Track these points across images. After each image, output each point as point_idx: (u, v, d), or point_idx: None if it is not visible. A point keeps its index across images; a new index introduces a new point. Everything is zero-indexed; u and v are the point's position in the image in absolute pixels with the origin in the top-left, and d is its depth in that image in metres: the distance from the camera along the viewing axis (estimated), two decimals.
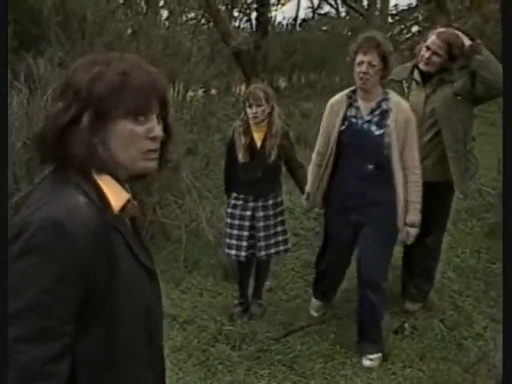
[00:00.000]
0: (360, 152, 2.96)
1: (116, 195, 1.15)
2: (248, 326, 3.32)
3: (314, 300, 3.54)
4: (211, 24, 11.42)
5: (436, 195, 3.26)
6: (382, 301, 3.05)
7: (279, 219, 3.49)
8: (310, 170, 3.27)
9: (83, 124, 1.11)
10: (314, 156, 3.25)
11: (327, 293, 3.50)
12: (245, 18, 17.48)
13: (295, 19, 17.97)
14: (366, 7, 15.61)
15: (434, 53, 3.23)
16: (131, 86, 1.13)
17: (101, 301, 1.09)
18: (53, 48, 3.77)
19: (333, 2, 17.85)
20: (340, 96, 3.09)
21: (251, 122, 3.36)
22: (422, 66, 3.30)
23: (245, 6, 17.05)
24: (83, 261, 1.05)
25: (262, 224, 3.41)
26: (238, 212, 3.44)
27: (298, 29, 17.63)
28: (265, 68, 11.71)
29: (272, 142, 3.33)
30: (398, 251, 3.54)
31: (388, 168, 2.91)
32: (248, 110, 3.34)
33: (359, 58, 2.87)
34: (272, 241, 3.43)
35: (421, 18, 15.46)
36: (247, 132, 3.38)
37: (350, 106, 3.02)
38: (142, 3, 8.41)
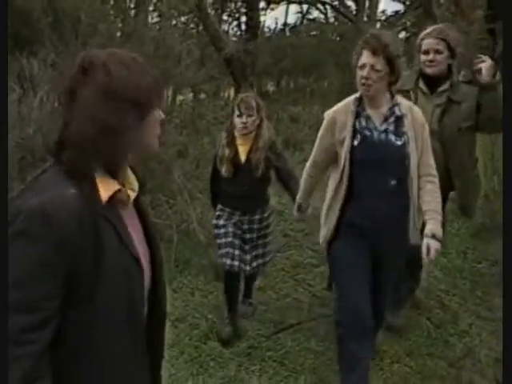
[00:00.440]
0: (381, 167, 2.57)
1: (106, 186, 1.24)
2: (239, 324, 3.37)
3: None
4: (200, 28, 11.50)
5: None
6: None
7: (262, 233, 3.36)
8: (303, 180, 2.95)
9: (130, 122, 1.22)
10: (307, 166, 2.90)
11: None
12: (234, 23, 17.60)
13: (284, 24, 18.12)
14: (354, 13, 15.77)
15: (435, 52, 3.06)
16: (156, 80, 1.28)
17: (86, 284, 1.18)
18: (46, 49, 3.81)
19: (321, 8, 17.98)
20: (343, 105, 2.69)
21: (237, 134, 3.21)
22: (427, 70, 3.10)
23: (234, 11, 17.16)
24: (66, 246, 1.14)
25: (246, 236, 3.31)
26: (221, 222, 3.32)
27: (287, 34, 17.76)
28: (254, 72, 11.80)
29: (258, 156, 3.17)
30: None
31: (407, 181, 2.60)
32: (237, 119, 3.17)
33: (361, 59, 2.51)
34: (253, 254, 3.32)
35: (408, 23, 15.64)
36: (231, 144, 3.23)
37: (357, 116, 2.62)
38: (132, 5, 8.46)
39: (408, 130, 2.58)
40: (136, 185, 1.35)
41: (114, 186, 1.26)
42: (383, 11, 16.93)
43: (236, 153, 3.22)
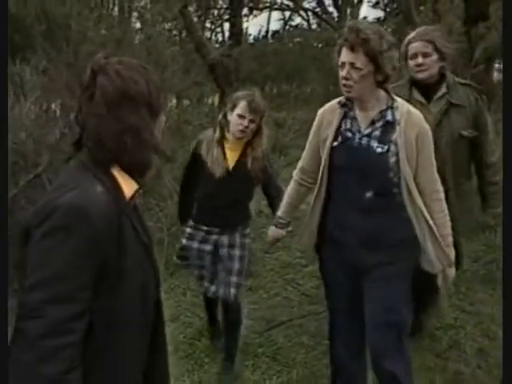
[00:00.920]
0: (357, 175, 2.30)
1: (128, 185, 1.34)
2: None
3: None
4: (183, 35, 11.59)
5: None
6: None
7: (242, 253, 2.90)
8: (289, 188, 2.62)
9: (146, 122, 1.33)
10: (295, 171, 2.62)
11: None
12: (217, 30, 17.75)
13: (267, 31, 18.31)
14: (336, 19, 16.00)
15: (423, 55, 2.85)
16: (160, 86, 1.39)
17: (111, 272, 1.27)
18: (38, 56, 3.88)
19: (304, 15, 18.22)
20: (333, 103, 2.44)
21: (230, 137, 2.77)
22: (418, 75, 2.87)
23: (217, 18, 17.31)
24: (100, 240, 1.23)
25: (225, 258, 2.86)
26: (195, 244, 2.87)
27: (269, 40, 17.94)
28: (238, 79, 11.92)
29: (256, 166, 2.78)
30: None
31: (394, 196, 2.29)
32: (236, 119, 2.70)
33: (341, 58, 2.22)
34: (233, 277, 2.86)
35: (389, 30, 15.91)
36: (220, 144, 2.79)
37: (344, 116, 2.37)
38: (116, 12, 8.52)
39: (398, 138, 2.24)
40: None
41: (134, 185, 1.37)
42: (365, 18, 17.13)
43: (224, 158, 2.78)
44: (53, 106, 4.41)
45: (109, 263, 1.26)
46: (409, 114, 2.29)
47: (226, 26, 16.55)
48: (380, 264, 2.30)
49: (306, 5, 17.52)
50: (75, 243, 1.21)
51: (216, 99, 12.06)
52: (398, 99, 2.33)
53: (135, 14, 7.23)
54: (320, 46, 16.88)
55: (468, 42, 6.54)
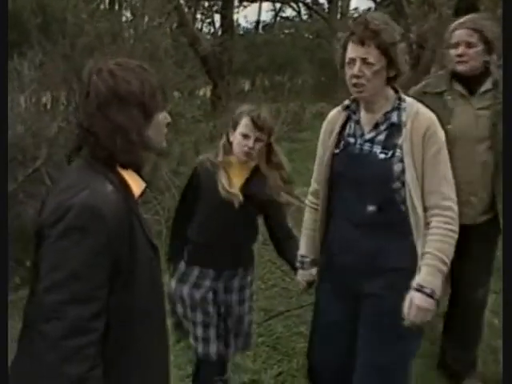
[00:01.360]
0: (357, 186, 2.03)
1: (136, 184, 1.38)
2: None
3: None
4: (174, 27, 11.56)
5: (478, 240, 2.62)
6: None
7: (246, 308, 2.46)
8: (305, 217, 2.30)
9: (136, 122, 1.34)
10: (308, 197, 2.30)
11: None
12: (207, 21, 17.69)
13: (257, 22, 18.28)
14: (327, 10, 16.01)
15: (467, 45, 2.54)
16: (159, 85, 1.41)
17: (124, 269, 1.31)
18: (34, 50, 3.89)
19: (295, 6, 18.20)
20: (337, 108, 2.19)
21: (234, 160, 2.33)
22: (457, 67, 2.57)
23: (207, 9, 17.25)
24: (113, 238, 1.27)
25: (223, 310, 2.41)
26: (186, 290, 2.37)
27: (260, 32, 17.93)
28: (230, 71, 11.93)
29: (263, 196, 2.29)
30: None
31: (399, 210, 1.99)
32: (240, 139, 2.28)
33: (348, 54, 1.97)
34: (232, 335, 2.44)
35: None
36: (224, 173, 2.32)
37: (348, 119, 2.13)
38: (106, 5, 8.49)
39: (404, 143, 1.97)
40: None
41: (142, 183, 1.41)
42: (355, 8, 17.16)
43: (229, 184, 2.31)
44: (50, 99, 4.42)
45: (122, 261, 1.29)
46: (417, 115, 2.01)
47: (217, 17, 16.50)
48: (379, 296, 1.99)
49: None
50: (91, 243, 1.23)
51: (208, 92, 12.08)
52: (408, 99, 2.08)
53: (128, 7, 7.21)
54: (311, 37, 16.92)
55: None
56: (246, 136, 2.28)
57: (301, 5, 17.86)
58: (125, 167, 1.36)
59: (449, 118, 2.52)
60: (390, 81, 2.02)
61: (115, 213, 1.27)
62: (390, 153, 1.98)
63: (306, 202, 2.30)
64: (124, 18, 7.41)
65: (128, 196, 1.34)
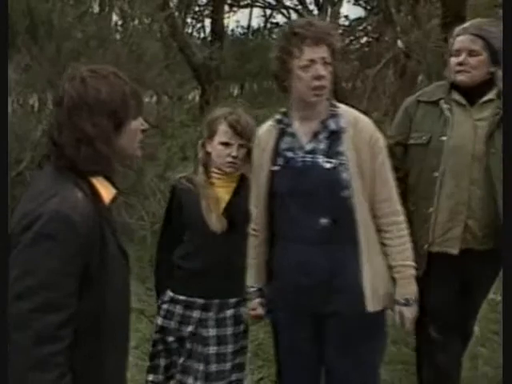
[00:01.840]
0: (305, 201, 1.93)
1: (106, 190, 1.39)
2: None
3: None
4: (165, 31, 11.59)
5: (478, 269, 2.39)
6: None
7: (239, 346, 2.26)
8: (248, 245, 2.11)
9: (105, 131, 1.33)
10: (251, 225, 2.12)
11: None
12: (198, 25, 17.72)
13: (248, 28, 18.36)
14: (317, 17, 16.09)
15: (470, 53, 2.27)
16: (134, 92, 1.39)
17: (94, 276, 1.31)
18: (21, 53, 3.90)
19: (285, 12, 18.30)
20: (267, 124, 2.07)
21: (217, 172, 2.13)
22: (457, 77, 2.31)
23: (198, 13, 17.29)
24: (83, 245, 1.27)
25: (212, 350, 2.14)
26: (173, 325, 2.17)
27: (250, 37, 17.99)
28: (219, 76, 11.96)
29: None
30: None
31: (353, 220, 1.93)
32: (220, 149, 2.07)
33: (305, 55, 1.86)
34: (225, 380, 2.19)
35: (370, 28, 16.06)
36: (209, 187, 2.13)
37: (282, 134, 2.00)
38: (96, 8, 8.46)
39: (347, 150, 1.91)
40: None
41: (112, 189, 1.41)
42: (346, 16, 17.29)
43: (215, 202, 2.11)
44: (35, 102, 4.41)
45: (92, 268, 1.29)
46: (357, 121, 1.97)
47: (207, 22, 16.56)
48: (341, 314, 1.95)
49: (287, 2, 17.62)
50: (60, 250, 1.23)
51: (197, 96, 12.10)
52: (340, 105, 2.03)
53: (117, 10, 7.21)
54: None
55: (446, 45, 6.68)
56: (226, 144, 2.08)
57: (291, 11, 17.97)
58: (94, 175, 1.37)
59: (444, 128, 2.30)
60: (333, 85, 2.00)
61: (85, 220, 1.27)
62: (334, 161, 1.92)
63: (249, 230, 2.12)
64: (113, 22, 7.44)
65: (98, 203, 1.34)
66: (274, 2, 17.56)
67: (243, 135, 2.08)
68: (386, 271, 2.00)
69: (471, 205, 2.30)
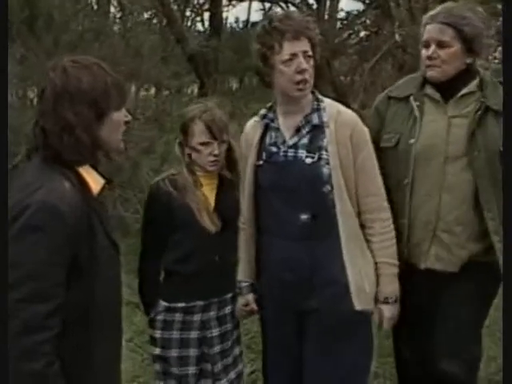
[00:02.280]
0: (287, 196, 1.94)
1: (94, 181, 1.40)
2: None
3: None
4: (163, 24, 11.57)
5: (469, 287, 2.10)
6: None
7: (235, 336, 2.33)
8: (239, 239, 2.16)
9: (87, 120, 1.34)
10: (240, 218, 2.15)
11: None
12: (197, 19, 17.64)
13: (247, 21, 18.26)
14: (315, 11, 16.02)
15: (438, 44, 2.01)
16: (117, 83, 1.40)
17: (83, 267, 1.33)
18: (16, 44, 3.90)
19: (284, 5, 18.21)
20: (253, 119, 2.11)
21: (200, 171, 2.12)
22: (428, 72, 2.07)
23: (197, 6, 17.21)
24: (71, 236, 1.28)
25: (216, 349, 2.20)
26: (174, 335, 2.15)
27: (249, 31, 17.91)
28: (217, 69, 11.93)
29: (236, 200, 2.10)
30: None
31: (333, 216, 1.92)
32: (201, 149, 2.05)
33: (288, 49, 1.85)
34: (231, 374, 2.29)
35: (368, 22, 16.00)
36: (197, 187, 2.11)
37: (266, 129, 2.03)
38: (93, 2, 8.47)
39: (328, 144, 1.90)
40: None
41: (101, 180, 1.41)
42: (347, 12, 17.22)
43: (205, 201, 2.12)
44: (31, 95, 4.41)
45: (81, 258, 1.31)
46: (339, 115, 1.95)
47: (206, 15, 16.48)
48: (321, 311, 1.95)
49: None
50: (48, 241, 1.25)
51: (196, 90, 12.07)
52: (325, 99, 2.00)
53: (114, 3, 7.21)
54: None
55: None
56: (206, 144, 2.07)
57: (290, 5, 17.88)
58: (79, 165, 1.37)
59: (412, 128, 2.07)
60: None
61: (73, 210, 1.28)
62: (316, 156, 1.92)
63: (239, 224, 2.15)
64: (111, 15, 7.43)
65: (86, 193, 1.35)
66: None
67: (221, 131, 2.08)
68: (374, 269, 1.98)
69: (443, 215, 2.06)
